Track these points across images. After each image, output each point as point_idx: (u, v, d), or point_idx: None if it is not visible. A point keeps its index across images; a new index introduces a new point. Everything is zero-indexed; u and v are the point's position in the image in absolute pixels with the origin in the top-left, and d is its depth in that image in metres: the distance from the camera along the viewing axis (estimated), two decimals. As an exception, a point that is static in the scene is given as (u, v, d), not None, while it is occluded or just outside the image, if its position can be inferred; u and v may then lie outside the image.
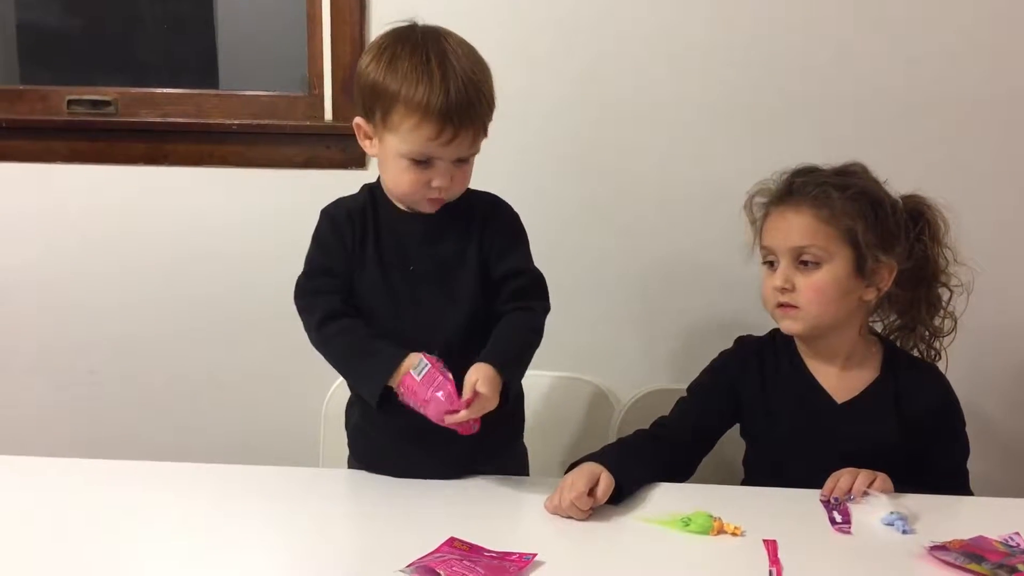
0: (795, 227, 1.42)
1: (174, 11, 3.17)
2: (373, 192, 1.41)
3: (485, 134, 1.33)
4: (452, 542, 1.15)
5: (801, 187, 1.44)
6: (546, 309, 1.40)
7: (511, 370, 1.30)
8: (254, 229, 2.02)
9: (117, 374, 2.10)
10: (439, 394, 1.24)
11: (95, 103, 2.03)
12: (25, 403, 2.12)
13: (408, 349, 1.30)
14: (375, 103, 1.31)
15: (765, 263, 1.47)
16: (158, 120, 2.02)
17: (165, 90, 2.05)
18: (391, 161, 1.33)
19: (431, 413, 1.25)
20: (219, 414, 2.09)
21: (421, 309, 1.37)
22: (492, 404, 1.25)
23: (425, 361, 1.26)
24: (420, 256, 1.37)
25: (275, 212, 2.01)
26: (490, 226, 1.39)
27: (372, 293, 1.37)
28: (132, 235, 2.04)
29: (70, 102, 2.02)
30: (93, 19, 3.04)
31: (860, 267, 1.41)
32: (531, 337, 1.36)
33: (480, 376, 1.24)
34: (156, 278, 2.05)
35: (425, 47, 1.29)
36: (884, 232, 1.42)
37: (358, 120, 1.36)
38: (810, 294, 1.41)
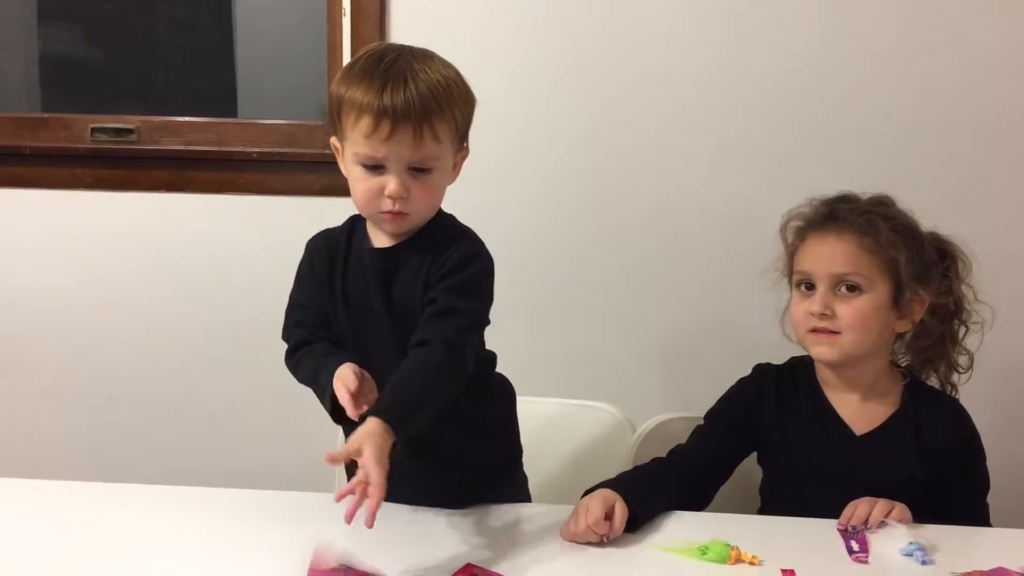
0: (838, 253, 1.41)
1: (194, 41, 3.21)
2: (354, 224, 1.38)
3: (436, 139, 1.22)
4: (469, 569, 1.15)
5: (845, 214, 1.43)
6: (449, 342, 1.23)
7: (402, 421, 1.14)
8: (273, 256, 2.02)
9: (136, 399, 2.12)
10: None
11: (118, 131, 2.06)
12: (43, 427, 2.13)
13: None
14: (334, 113, 1.26)
15: (799, 289, 1.46)
16: (180, 148, 2.04)
17: (187, 118, 2.08)
18: (349, 173, 1.28)
19: None
20: (237, 440, 2.10)
21: (382, 349, 1.31)
22: (382, 476, 1.09)
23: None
24: (377, 293, 1.31)
25: (294, 239, 2.01)
26: (439, 259, 1.28)
27: (342, 329, 1.35)
28: (153, 261, 2.07)
29: (93, 130, 2.06)
30: (114, 50, 3.08)
31: (896, 298, 1.41)
32: (425, 376, 1.21)
33: (366, 452, 1.09)
34: (176, 304, 2.07)
35: (386, 55, 1.24)
36: (921, 265, 1.42)
37: (332, 139, 1.31)
38: (851, 320, 1.39)
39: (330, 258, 1.37)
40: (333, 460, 1.12)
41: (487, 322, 1.33)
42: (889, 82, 1.92)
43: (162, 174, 2.04)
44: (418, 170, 1.24)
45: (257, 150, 2.02)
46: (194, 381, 2.10)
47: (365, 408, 1.18)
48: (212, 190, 2.04)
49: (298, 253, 1.99)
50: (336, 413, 1.22)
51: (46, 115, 2.14)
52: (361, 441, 1.10)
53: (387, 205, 1.25)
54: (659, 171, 1.98)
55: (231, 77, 3.13)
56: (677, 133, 1.97)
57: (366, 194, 1.26)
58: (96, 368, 2.11)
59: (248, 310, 2.05)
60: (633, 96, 1.96)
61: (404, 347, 1.28)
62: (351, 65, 1.28)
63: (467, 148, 1.34)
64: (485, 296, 1.32)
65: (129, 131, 2.06)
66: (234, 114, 2.96)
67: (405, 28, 1.94)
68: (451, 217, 1.37)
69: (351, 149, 1.25)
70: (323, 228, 1.47)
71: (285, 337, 1.39)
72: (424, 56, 1.26)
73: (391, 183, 1.23)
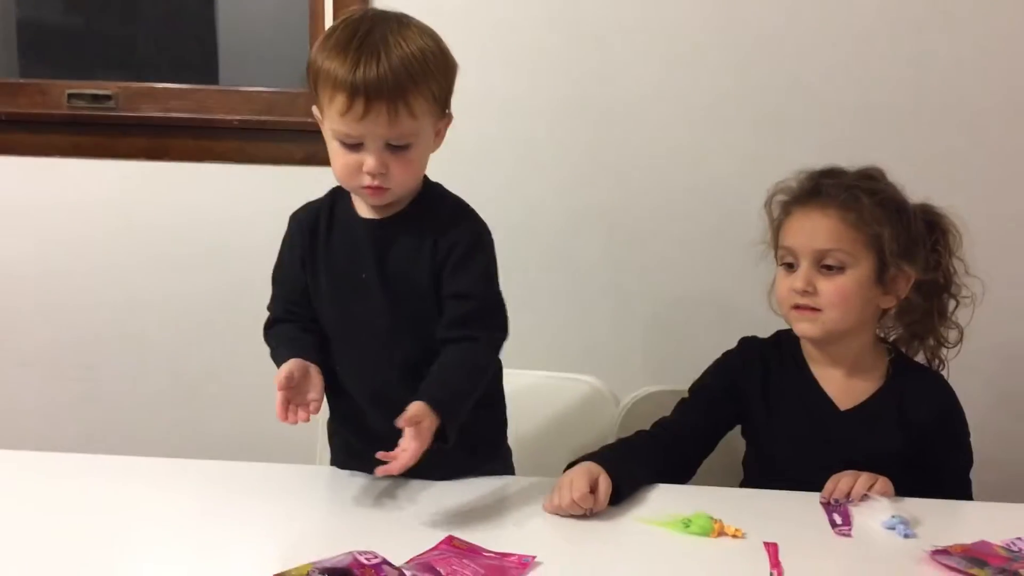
0: (821, 229, 1.39)
1: (175, 7, 3.16)
2: (335, 195, 1.36)
3: (412, 115, 1.20)
4: (450, 540, 1.14)
5: (829, 189, 1.41)
6: (494, 340, 1.30)
7: (449, 411, 1.20)
8: (253, 225, 2.01)
9: (114, 370, 2.10)
10: None
11: (95, 97, 2.02)
12: (22, 398, 2.12)
13: (359, 366, 1.31)
14: (312, 83, 1.24)
15: (783, 264, 1.45)
16: (158, 115, 2.01)
17: (166, 85, 2.05)
18: (329, 145, 1.26)
19: None
20: (218, 411, 2.09)
21: (371, 323, 1.31)
22: (423, 448, 1.17)
23: None
24: (370, 264, 1.30)
25: (274, 208, 1.97)
26: (446, 237, 1.28)
27: (325, 302, 1.34)
28: (131, 230, 2.04)
29: (70, 96, 2.02)
30: (93, 15, 3.03)
31: (880, 274, 1.40)
32: (475, 375, 1.27)
33: (416, 413, 1.17)
34: (155, 273, 2.05)
35: (361, 25, 1.21)
36: (907, 241, 1.40)
37: (314, 108, 1.29)
38: (833, 297, 1.38)
39: (311, 230, 1.35)
40: (406, 422, 1.16)
41: None
42: (877, 56, 1.91)
43: (140, 141, 2.02)
44: (396, 146, 1.23)
45: (237, 118, 2.00)
46: (173, 351, 2.08)
47: (299, 412, 1.24)
48: (191, 158, 2.01)
49: (278, 222, 1.96)
50: None
51: (22, 81, 2.10)
52: (424, 415, 1.17)
53: (366, 180, 1.24)
54: (646, 146, 1.97)
55: (212, 43, 3.09)
56: (664, 108, 1.95)
57: (345, 169, 1.25)
58: (74, 338, 2.09)
59: (227, 280, 2.04)
60: (621, 68, 1.94)
61: (399, 318, 1.29)
62: (328, 35, 1.25)
63: (450, 114, 1.31)
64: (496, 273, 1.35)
65: (107, 97, 2.02)
66: (215, 81, 2.92)
67: (388, -6, 1.91)
68: (439, 186, 1.36)
69: (329, 125, 1.24)
70: (304, 198, 1.45)
71: (269, 308, 1.40)
72: (400, 25, 1.23)
73: (369, 160, 1.22)
